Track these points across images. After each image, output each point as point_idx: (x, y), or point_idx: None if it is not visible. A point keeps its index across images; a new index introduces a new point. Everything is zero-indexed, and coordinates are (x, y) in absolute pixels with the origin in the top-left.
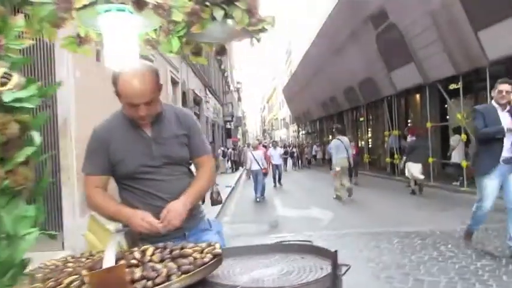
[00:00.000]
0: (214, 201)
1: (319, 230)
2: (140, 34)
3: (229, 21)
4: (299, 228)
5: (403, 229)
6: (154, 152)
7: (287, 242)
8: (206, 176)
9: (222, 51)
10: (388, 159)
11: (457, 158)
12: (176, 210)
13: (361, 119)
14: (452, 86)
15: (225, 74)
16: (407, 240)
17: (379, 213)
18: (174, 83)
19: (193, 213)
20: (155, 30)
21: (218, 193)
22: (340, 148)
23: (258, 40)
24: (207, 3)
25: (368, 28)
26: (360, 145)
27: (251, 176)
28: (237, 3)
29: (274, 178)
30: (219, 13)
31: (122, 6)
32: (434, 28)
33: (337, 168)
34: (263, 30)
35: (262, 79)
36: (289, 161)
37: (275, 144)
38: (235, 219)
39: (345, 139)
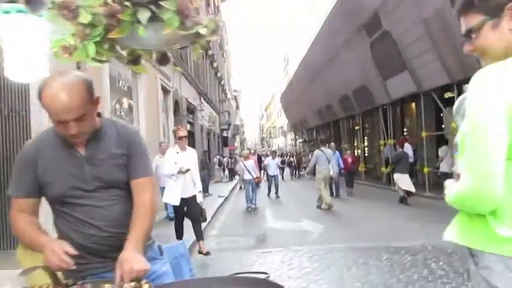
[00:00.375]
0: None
1: (308, 244)
2: (56, 41)
3: (158, 25)
4: (287, 242)
5: (393, 244)
6: (87, 174)
7: (242, 275)
8: (146, 212)
9: (163, 59)
10: (383, 169)
11: (445, 168)
12: (131, 257)
13: (357, 127)
14: (448, 95)
15: (222, 82)
16: (397, 257)
17: (371, 226)
18: (166, 91)
19: None
20: (73, 35)
21: (204, 210)
22: (322, 159)
23: (202, 47)
24: (127, 4)
25: (362, 36)
26: (356, 154)
27: (243, 186)
28: (163, 4)
29: (269, 188)
30: (144, 15)
31: (20, 6)
32: (427, 36)
33: (307, 176)
34: (199, 35)
35: (261, 87)
36: (287, 170)
37: (274, 154)
38: (223, 232)
39: (328, 151)
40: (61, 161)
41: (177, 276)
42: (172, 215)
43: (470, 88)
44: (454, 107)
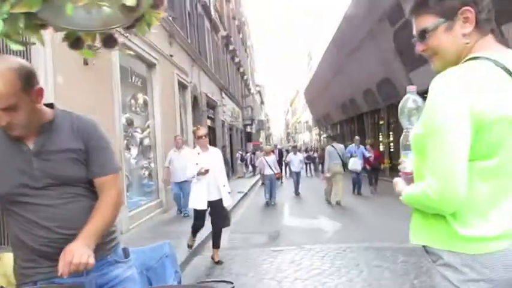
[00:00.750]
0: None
1: (321, 243)
2: None
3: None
4: (300, 240)
5: (411, 245)
6: (35, 170)
7: (206, 284)
8: (109, 206)
9: (108, 41)
10: None
11: None
12: (75, 249)
13: (382, 122)
14: None
15: (245, 77)
16: (412, 259)
17: (390, 225)
18: (183, 86)
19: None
20: None
21: (229, 214)
22: (333, 154)
23: (149, 26)
24: None
25: (385, 26)
26: (382, 149)
27: (264, 181)
28: None
29: (295, 184)
30: None
31: None
32: None
33: (327, 174)
34: (131, 9)
35: (286, 82)
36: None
37: (295, 150)
38: (237, 229)
39: (339, 146)
40: (7, 156)
41: (160, 279)
42: (187, 213)
43: (430, 91)
44: (399, 107)
